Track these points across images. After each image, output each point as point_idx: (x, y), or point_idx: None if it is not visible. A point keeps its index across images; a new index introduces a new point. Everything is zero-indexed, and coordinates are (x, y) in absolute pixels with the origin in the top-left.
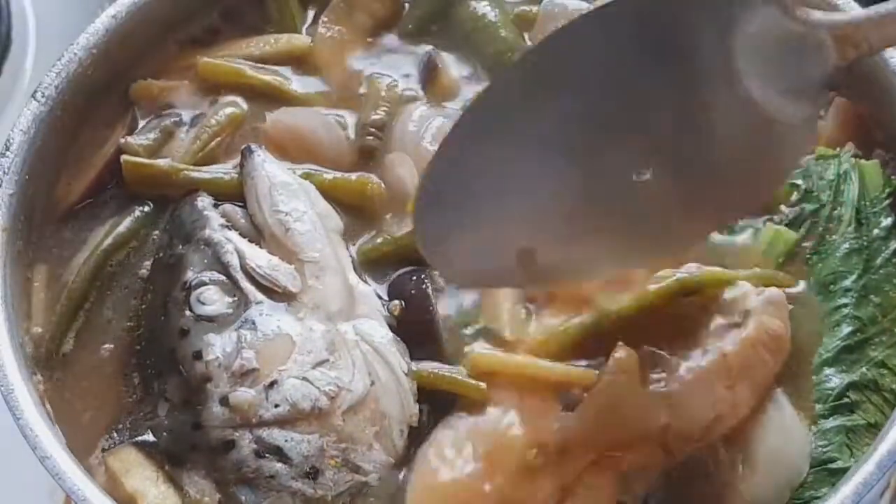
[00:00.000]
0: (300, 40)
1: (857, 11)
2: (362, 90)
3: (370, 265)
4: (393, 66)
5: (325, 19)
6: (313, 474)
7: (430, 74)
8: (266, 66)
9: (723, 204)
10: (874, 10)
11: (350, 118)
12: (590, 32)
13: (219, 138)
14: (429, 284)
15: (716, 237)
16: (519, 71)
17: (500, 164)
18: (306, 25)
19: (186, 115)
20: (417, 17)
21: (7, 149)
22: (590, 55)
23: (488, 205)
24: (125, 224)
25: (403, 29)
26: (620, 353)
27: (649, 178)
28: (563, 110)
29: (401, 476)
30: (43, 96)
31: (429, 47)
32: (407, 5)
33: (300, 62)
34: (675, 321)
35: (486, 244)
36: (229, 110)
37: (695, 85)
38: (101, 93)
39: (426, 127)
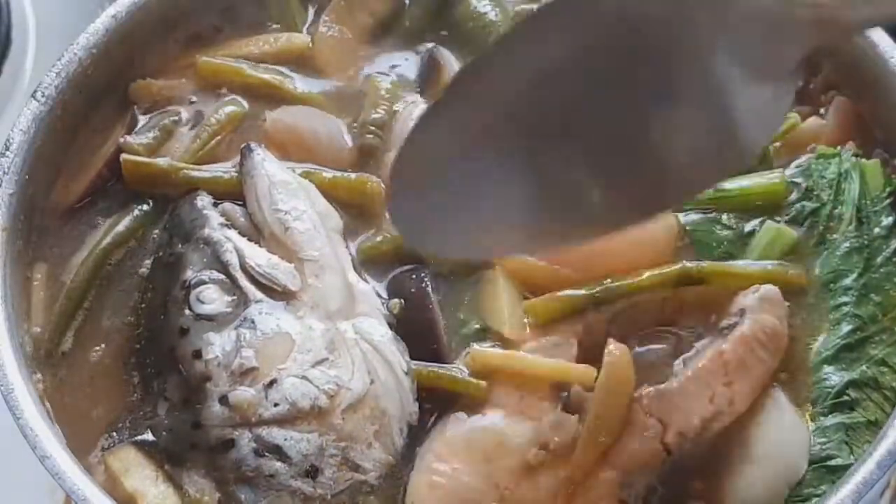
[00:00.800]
0: (300, 39)
1: None
2: (362, 89)
3: (370, 264)
4: (393, 65)
5: (326, 18)
6: (313, 473)
7: (431, 72)
8: (267, 66)
9: (686, 174)
10: None
11: (350, 117)
12: (565, 18)
13: (219, 137)
14: (428, 283)
15: (723, 233)
16: (494, 57)
17: (469, 146)
18: (307, 24)
19: (186, 114)
20: (417, 15)
21: (7, 149)
22: (563, 42)
23: (458, 182)
24: (124, 223)
25: (403, 27)
26: (612, 347)
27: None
28: (531, 96)
29: (401, 475)
30: (43, 96)
31: (430, 45)
32: (407, 3)
33: (300, 61)
34: (675, 317)
35: (456, 218)
36: (229, 109)
37: (668, 66)
38: (101, 93)
39: None
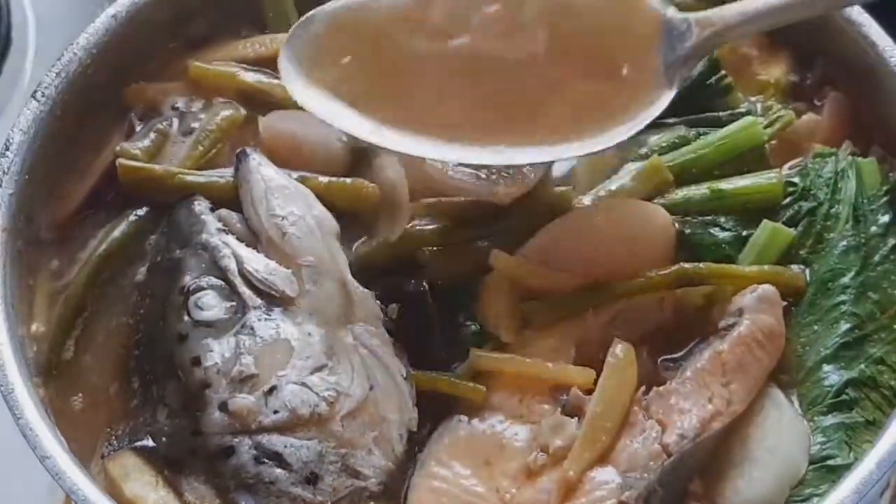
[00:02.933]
0: None
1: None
2: None
3: (367, 268)
4: None
5: None
6: (313, 480)
7: None
8: (260, 69)
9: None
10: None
11: None
12: None
13: (220, 144)
14: (427, 287)
15: (721, 234)
16: None
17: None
18: None
19: (178, 120)
20: None
21: (7, 149)
22: None
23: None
24: (120, 230)
25: None
26: (618, 347)
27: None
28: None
29: (401, 481)
30: (43, 96)
31: None
32: None
33: None
34: (675, 319)
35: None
36: (227, 113)
37: None
38: (101, 93)
39: None
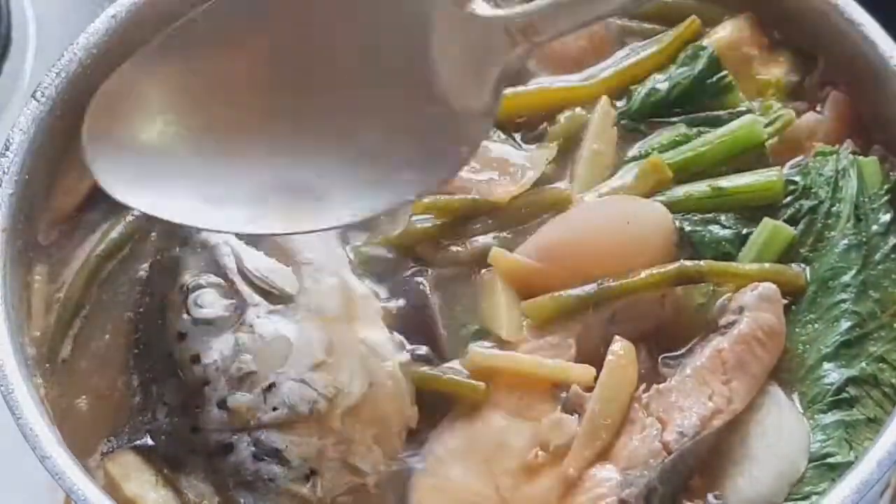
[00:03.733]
0: None
1: (530, 4)
2: None
3: (367, 266)
4: None
5: None
6: (312, 477)
7: None
8: None
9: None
10: (546, 2)
11: None
12: None
13: None
14: (426, 284)
15: (721, 232)
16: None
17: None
18: None
19: None
20: None
21: (7, 149)
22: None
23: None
24: (119, 228)
25: None
26: (617, 345)
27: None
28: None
29: (401, 478)
30: (43, 96)
31: None
32: None
33: None
34: (675, 317)
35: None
36: None
37: (384, 72)
38: None
39: None
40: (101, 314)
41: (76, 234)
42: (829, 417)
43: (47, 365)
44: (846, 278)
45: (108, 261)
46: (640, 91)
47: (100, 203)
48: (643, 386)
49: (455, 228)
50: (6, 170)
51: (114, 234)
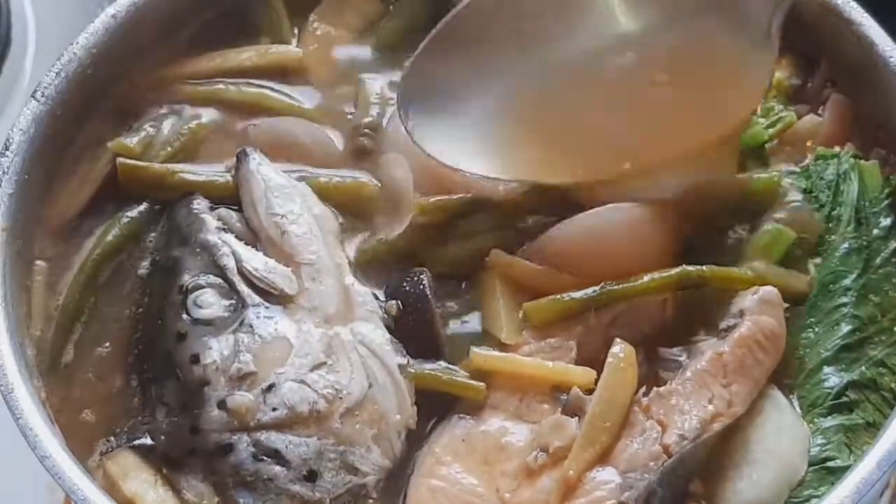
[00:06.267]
0: (291, 52)
1: None
2: (355, 92)
3: (367, 266)
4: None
5: (315, 20)
6: (312, 477)
7: None
8: (250, 81)
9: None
10: None
11: (342, 121)
12: None
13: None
14: (426, 285)
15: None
16: None
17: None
18: (296, 29)
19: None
20: (407, 14)
21: (7, 149)
22: None
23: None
24: (119, 229)
25: (393, 27)
26: (618, 348)
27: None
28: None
29: (400, 479)
30: (43, 96)
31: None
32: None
33: (289, 69)
34: (676, 320)
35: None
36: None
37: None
38: (101, 93)
39: None
40: (101, 315)
41: (76, 234)
42: (829, 421)
43: (48, 365)
44: (847, 282)
45: (108, 261)
46: None
47: (95, 208)
48: (643, 389)
49: (457, 229)
50: (6, 170)
51: (113, 234)
